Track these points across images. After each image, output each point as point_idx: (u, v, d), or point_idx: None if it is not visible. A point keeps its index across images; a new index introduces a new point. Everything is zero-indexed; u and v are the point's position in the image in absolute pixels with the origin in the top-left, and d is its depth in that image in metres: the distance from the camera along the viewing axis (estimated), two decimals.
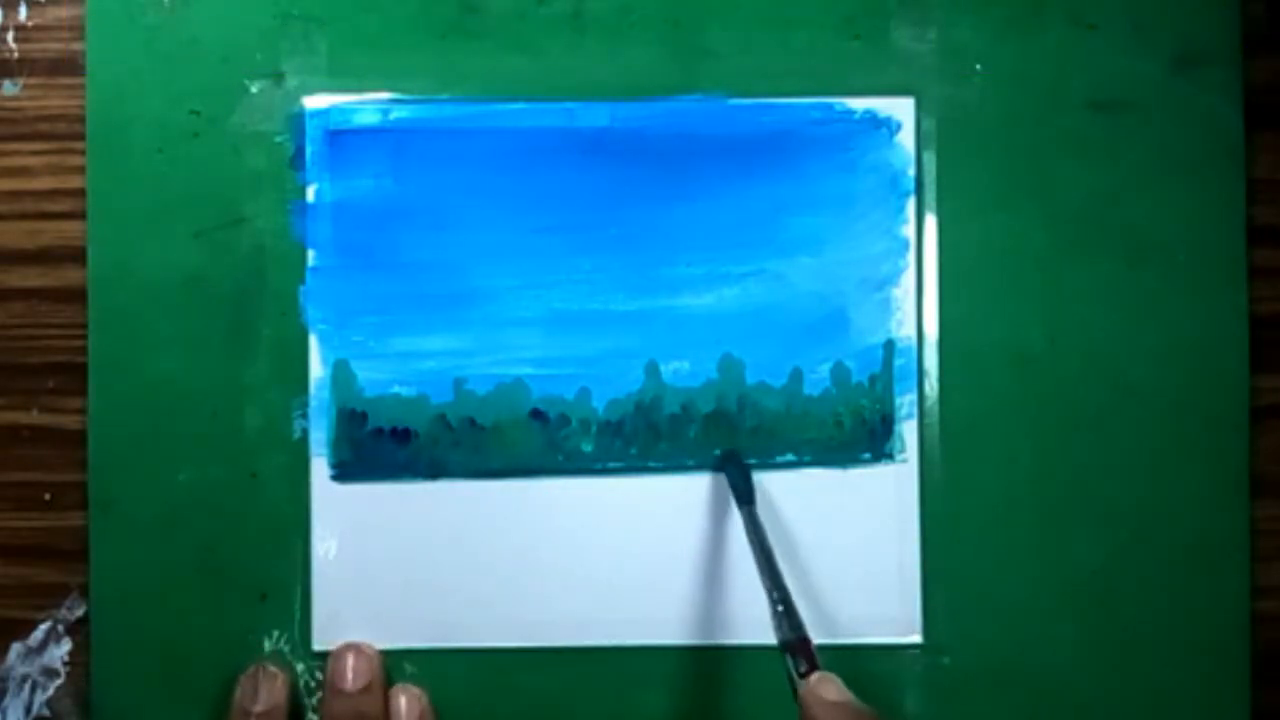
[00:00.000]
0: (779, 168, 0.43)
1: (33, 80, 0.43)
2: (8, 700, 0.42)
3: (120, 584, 0.42)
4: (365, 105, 0.42)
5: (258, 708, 0.41)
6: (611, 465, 0.42)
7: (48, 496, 0.43)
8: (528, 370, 0.42)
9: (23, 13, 0.43)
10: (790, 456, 0.42)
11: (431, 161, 0.42)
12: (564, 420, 0.42)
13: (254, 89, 0.42)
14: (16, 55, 0.43)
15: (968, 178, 0.43)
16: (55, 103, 0.43)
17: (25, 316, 0.43)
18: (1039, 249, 0.43)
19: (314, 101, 0.42)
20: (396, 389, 0.42)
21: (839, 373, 0.43)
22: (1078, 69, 0.43)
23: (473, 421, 0.42)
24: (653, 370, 0.43)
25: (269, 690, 0.41)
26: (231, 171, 0.42)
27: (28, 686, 0.42)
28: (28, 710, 0.42)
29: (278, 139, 0.42)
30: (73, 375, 0.42)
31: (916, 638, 0.42)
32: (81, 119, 0.42)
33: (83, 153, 0.42)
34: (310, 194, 0.42)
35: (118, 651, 0.42)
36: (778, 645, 0.37)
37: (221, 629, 0.42)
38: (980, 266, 0.43)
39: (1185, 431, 0.43)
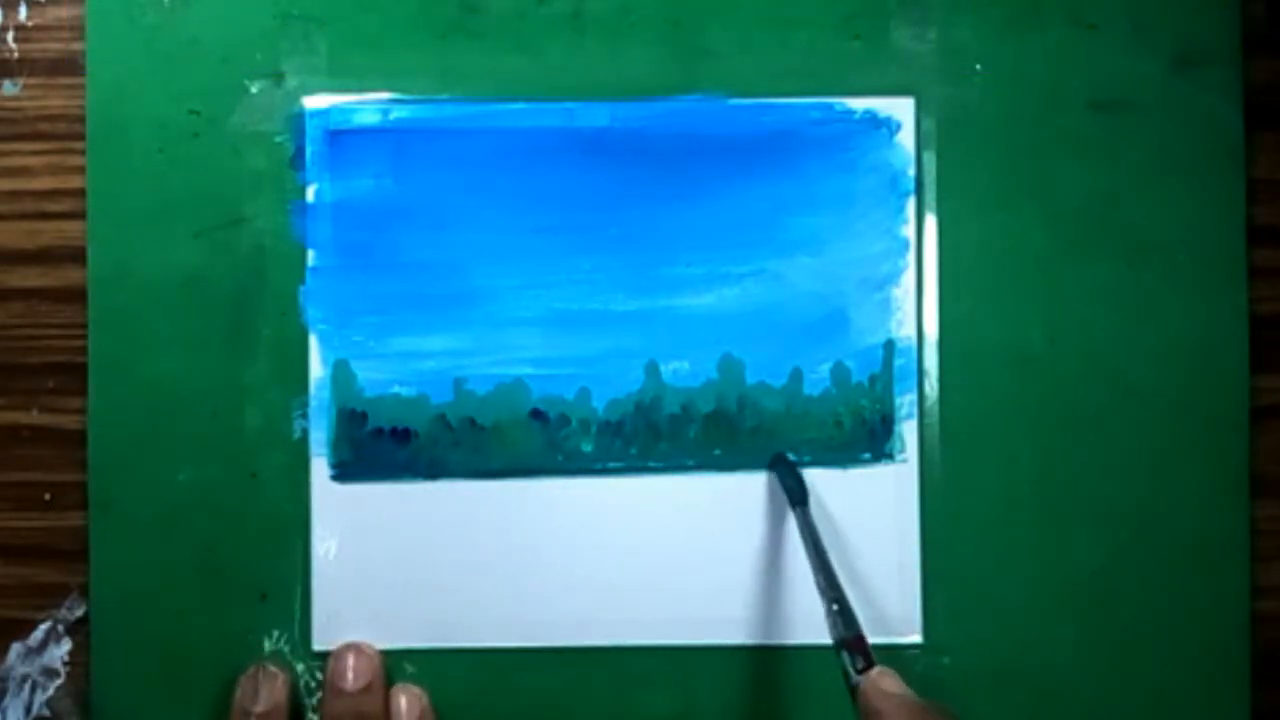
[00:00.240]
0: (779, 168, 0.43)
1: (33, 80, 0.43)
2: (8, 700, 0.42)
3: (120, 584, 0.42)
4: (365, 105, 0.42)
5: (258, 708, 0.41)
6: (611, 465, 0.42)
7: (48, 496, 0.43)
8: (528, 370, 0.42)
9: (23, 13, 0.43)
10: (790, 456, 0.42)
11: (431, 161, 0.42)
12: (564, 420, 0.42)
13: (254, 89, 0.42)
14: (16, 55, 0.43)
15: (968, 178, 0.43)
16: (55, 103, 0.43)
17: (25, 316, 0.43)
18: (1039, 249, 0.43)
19: (314, 101, 0.42)
20: (396, 389, 0.42)
21: (839, 373, 0.43)
22: (1078, 69, 0.43)
23: (473, 421, 0.42)
24: (653, 370, 0.43)
25: (269, 690, 0.41)
26: (231, 171, 0.42)
27: (28, 686, 0.42)
28: (28, 710, 0.42)
29: (278, 139, 0.42)
30: (73, 375, 0.42)
31: (916, 638, 0.42)
32: (81, 119, 0.42)
33: (83, 153, 0.42)
34: (310, 194, 0.42)
35: (118, 651, 0.42)
36: (833, 643, 0.37)
37: (221, 629, 0.42)
38: (980, 266, 0.43)
39: (1185, 431, 0.43)
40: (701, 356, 0.43)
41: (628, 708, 0.42)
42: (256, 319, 0.42)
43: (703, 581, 0.42)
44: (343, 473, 0.42)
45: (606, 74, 0.43)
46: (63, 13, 0.43)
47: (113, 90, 0.42)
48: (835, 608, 0.38)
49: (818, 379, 0.43)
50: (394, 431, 0.42)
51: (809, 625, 0.42)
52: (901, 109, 0.43)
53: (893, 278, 0.43)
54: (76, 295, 0.42)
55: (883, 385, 0.43)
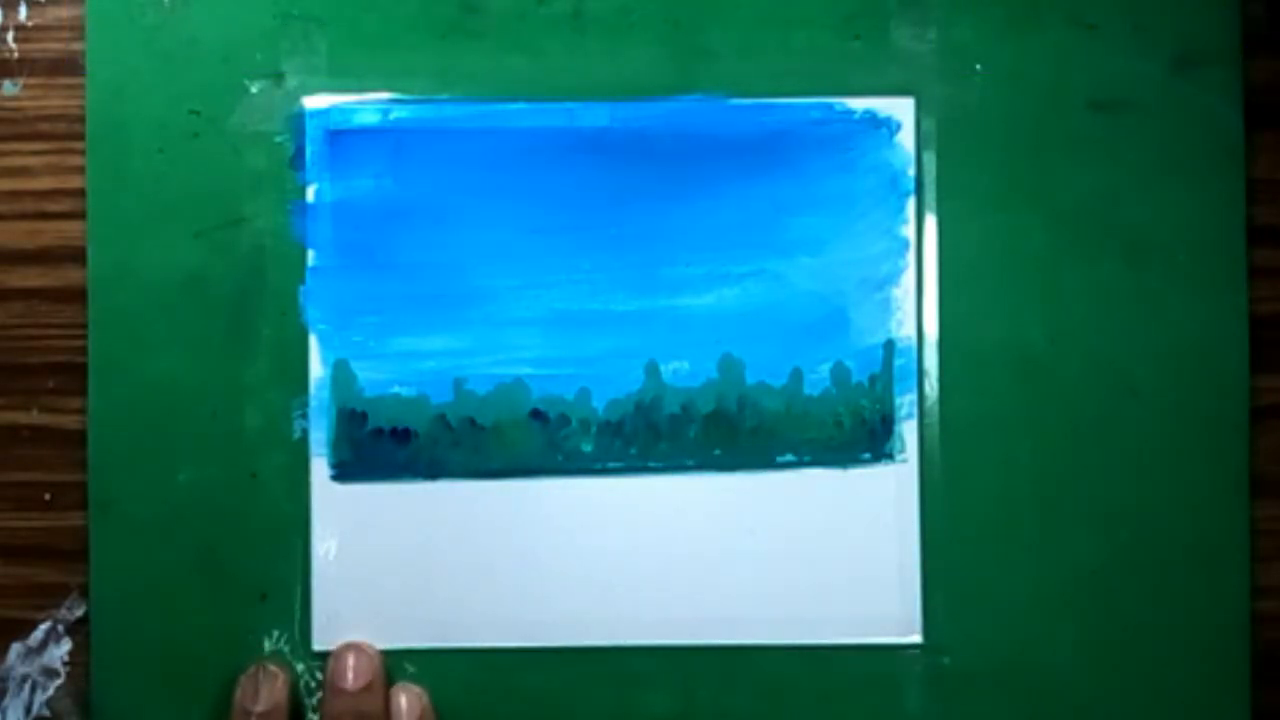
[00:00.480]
0: (779, 168, 0.43)
1: (33, 80, 0.43)
2: (8, 700, 0.42)
3: (120, 584, 0.42)
4: (365, 105, 0.42)
5: (258, 707, 0.41)
6: (611, 465, 0.42)
7: (48, 496, 0.43)
8: (528, 370, 0.42)
9: (23, 13, 0.43)
10: (790, 456, 0.42)
11: (431, 161, 0.42)
12: (564, 420, 0.42)
13: (254, 89, 0.42)
14: (16, 55, 0.43)
15: (968, 178, 0.43)
16: (55, 103, 0.43)
17: (25, 316, 0.43)
18: (1039, 249, 0.43)
19: (314, 101, 0.42)
20: (396, 389, 0.42)
21: (839, 373, 0.43)
22: (1078, 69, 0.43)
23: (473, 421, 0.42)
24: (653, 370, 0.43)
25: (269, 690, 0.41)
26: (231, 171, 0.42)
27: (28, 686, 0.42)
28: (28, 710, 0.42)
29: (278, 139, 0.42)
30: (73, 375, 0.42)
31: (916, 638, 0.42)
32: (81, 119, 0.42)
33: (83, 153, 0.42)
34: (310, 194, 0.42)
35: (118, 651, 0.42)
36: None
37: (221, 629, 0.42)
38: (980, 266, 0.43)
39: (1185, 432, 0.43)
40: (701, 356, 0.43)
41: (628, 708, 0.42)
42: (256, 319, 0.42)
43: (703, 581, 0.42)
44: (343, 473, 0.42)
45: (606, 74, 0.43)
46: (63, 13, 0.43)
47: (113, 90, 0.42)
48: None
49: (818, 379, 0.43)
50: (394, 431, 0.42)
51: (809, 625, 0.42)
52: (901, 109, 0.43)
53: (893, 278, 0.43)
54: (76, 295, 0.42)
55: (883, 385, 0.43)
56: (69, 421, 0.42)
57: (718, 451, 0.43)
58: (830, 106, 0.43)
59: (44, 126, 0.43)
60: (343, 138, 0.42)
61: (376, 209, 0.42)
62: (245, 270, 0.42)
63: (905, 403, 0.43)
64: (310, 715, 0.42)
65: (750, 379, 0.43)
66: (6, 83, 0.43)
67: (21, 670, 0.42)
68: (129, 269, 0.42)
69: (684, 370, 0.43)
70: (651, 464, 0.42)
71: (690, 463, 0.43)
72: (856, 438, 0.43)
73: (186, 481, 0.42)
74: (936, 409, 0.43)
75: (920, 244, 0.43)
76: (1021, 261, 0.43)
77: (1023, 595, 0.42)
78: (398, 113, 0.42)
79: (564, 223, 0.43)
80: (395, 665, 0.42)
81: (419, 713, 0.41)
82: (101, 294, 0.42)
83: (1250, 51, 0.43)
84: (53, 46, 0.43)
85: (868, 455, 0.43)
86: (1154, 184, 0.43)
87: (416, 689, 0.42)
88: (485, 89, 0.43)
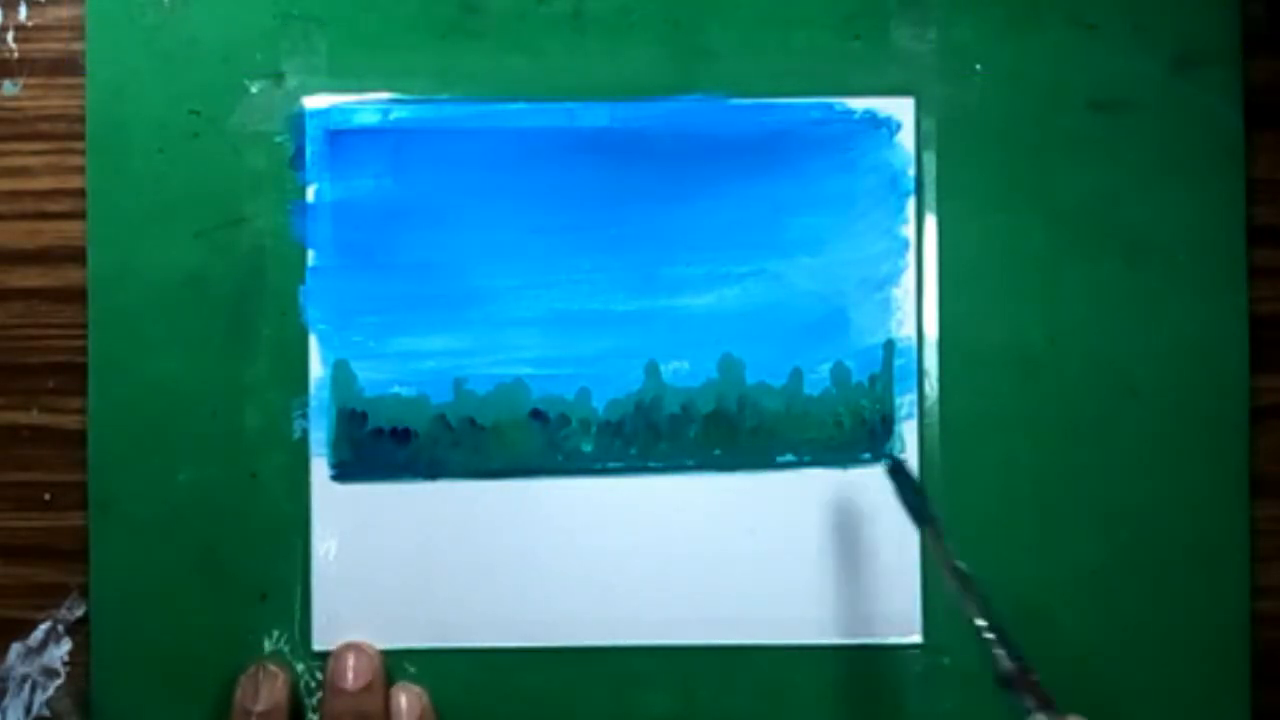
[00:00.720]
0: (779, 168, 0.43)
1: (33, 80, 0.43)
2: (8, 700, 0.42)
3: (120, 584, 0.42)
4: (365, 105, 0.42)
5: (258, 707, 0.41)
6: (611, 465, 0.42)
7: (48, 496, 0.43)
8: (528, 370, 0.42)
9: (23, 13, 0.43)
10: (790, 456, 0.42)
11: (431, 161, 0.42)
12: (564, 420, 0.42)
13: (254, 89, 0.42)
14: (16, 55, 0.43)
15: (968, 178, 0.43)
16: (55, 103, 0.43)
17: (25, 316, 0.43)
18: (1039, 249, 0.43)
19: (314, 101, 0.42)
20: (396, 389, 0.42)
21: (839, 373, 0.43)
22: (1078, 69, 0.43)
23: (473, 421, 0.42)
24: (653, 370, 0.43)
25: (269, 690, 0.41)
26: (231, 171, 0.42)
27: (28, 686, 0.42)
28: (28, 710, 0.42)
29: (278, 139, 0.42)
30: (73, 375, 0.42)
31: (916, 638, 0.42)
32: (81, 119, 0.42)
33: (83, 153, 0.42)
34: (310, 194, 0.42)
35: (118, 651, 0.42)
36: (995, 680, 0.35)
37: (221, 629, 0.42)
38: (980, 266, 0.43)
39: (1185, 432, 0.43)
40: (701, 356, 0.43)
41: (628, 708, 0.42)
42: (256, 319, 0.42)
43: (703, 581, 0.42)
44: (343, 473, 0.42)
45: (606, 74, 0.43)
46: (63, 13, 0.43)
47: (113, 90, 0.42)
48: (993, 637, 0.35)
49: (818, 379, 0.43)
50: (394, 431, 0.42)
51: (809, 625, 0.42)
52: (901, 109, 0.43)
53: (893, 278, 0.43)
54: (76, 295, 0.42)
55: (883, 385, 0.43)
56: (69, 421, 0.42)
57: (718, 451, 0.43)
58: (830, 106, 0.43)
59: (44, 126, 0.43)
60: (343, 138, 0.42)
61: (376, 209, 0.42)
62: (245, 270, 0.42)
63: (905, 403, 0.43)
64: (310, 715, 0.42)
65: (750, 379, 0.43)
66: (6, 83, 0.43)
67: (21, 670, 0.42)
68: (129, 269, 0.42)
69: (684, 370, 0.43)
70: (651, 464, 0.42)
71: (690, 463, 0.43)
72: (856, 438, 0.43)
73: (186, 481, 0.42)
74: (936, 409, 0.43)
75: (920, 244, 0.43)
76: (1021, 261, 0.43)
77: (1023, 595, 0.42)
78: (398, 113, 0.42)
79: (564, 223, 0.43)
80: (395, 665, 0.42)
81: (419, 713, 0.41)
82: (101, 294, 0.42)
83: (1250, 51, 0.43)
84: (53, 46, 0.43)
85: (868, 455, 0.43)
86: (1154, 184, 0.43)
87: (416, 689, 0.42)
88: (485, 89, 0.43)
